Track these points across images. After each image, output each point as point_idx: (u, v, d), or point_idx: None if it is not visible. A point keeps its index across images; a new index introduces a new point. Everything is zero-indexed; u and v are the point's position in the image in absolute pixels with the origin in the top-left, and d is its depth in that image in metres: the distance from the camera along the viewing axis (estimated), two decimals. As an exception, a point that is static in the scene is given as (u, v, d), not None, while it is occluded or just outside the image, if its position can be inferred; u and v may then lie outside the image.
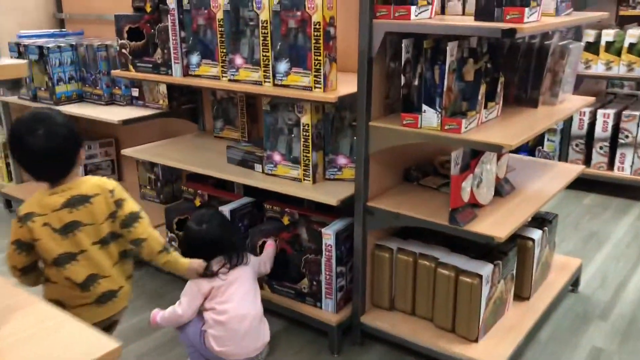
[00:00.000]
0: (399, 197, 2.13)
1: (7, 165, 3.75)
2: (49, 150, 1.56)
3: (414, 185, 2.26)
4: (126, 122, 2.82)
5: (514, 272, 2.21)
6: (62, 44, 3.11)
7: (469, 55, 1.88)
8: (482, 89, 1.92)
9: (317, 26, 1.97)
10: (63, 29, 3.68)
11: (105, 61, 3.06)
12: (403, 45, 1.86)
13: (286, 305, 2.33)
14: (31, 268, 1.68)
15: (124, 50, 2.59)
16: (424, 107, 1.87)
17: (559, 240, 2.86)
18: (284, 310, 2.35)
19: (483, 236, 1.84)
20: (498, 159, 2.10)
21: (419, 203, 2.08)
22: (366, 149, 2.01)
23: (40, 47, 3.06)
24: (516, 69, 2.21)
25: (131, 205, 1.70)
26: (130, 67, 2.59)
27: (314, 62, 2.01)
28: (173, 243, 2.63)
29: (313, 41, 1.99)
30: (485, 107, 1.98)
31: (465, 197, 1.92)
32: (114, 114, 2.89)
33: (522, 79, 2.22)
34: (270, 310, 2.37)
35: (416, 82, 1.91)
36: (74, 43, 3.16)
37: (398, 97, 2.01)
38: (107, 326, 1.80)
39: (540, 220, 2.39)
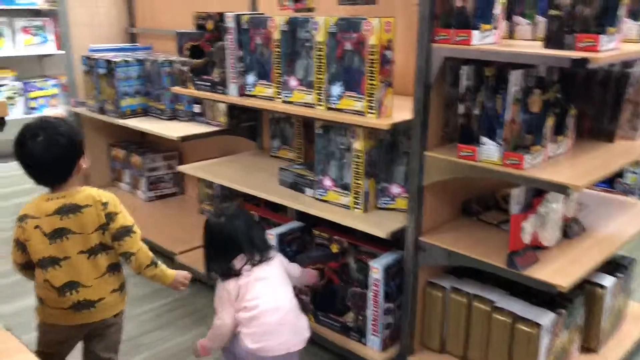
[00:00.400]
0: (455, 233, 1.99)
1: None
2: (46, 157, 1.62)
3: (473, 220, 2.11)
4: (185, 139, 2.83)
5: (581, 321, 2.01)
6: (129, 59, 3.17)
7: (535, 85, 1.72)
8: (550, 121, 1.76)
9: (373, 49, 1.87)
10: (135, 44, 3.78)
11: (169, 77, 3.10)
12: (462, 71, 1.73)
13: (330, 338, 2.23)
14: (30, 265, 1.73)
15: (183, 68, 2.60)
16: (483, 139, 1.73)
17: (637, 286, 2.60)
18: (328, 343, 2.24)
19: (544, 284, 1.67)
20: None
21: (476, 241, 1.93)
22: (420, 179, 1.89)
23: (108, 61, 3.14)
24: (591, 99, 2.02)
25: (124, 219, 1.73)
26: (190, 84, 2.59)
27: (368, 87, 1.91)
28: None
29: (368, 65, 1.89)
30: (553, 141, 1.81)
31: (526, 239, 1.75)
32: (174, 130, 2.91)
33: (598, 111, 2.03)
34: (313, 341, 2.28)
35: (476, 112, 1.77)
36: (141, 58, 3.22)
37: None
38: (98, 332, 1.81)
39: (614, 265, 2.17)
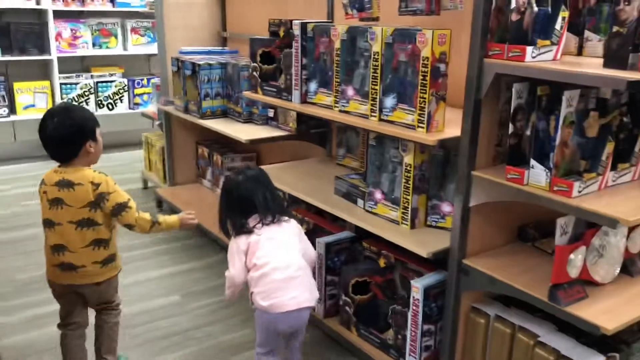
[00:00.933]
0: (504, 259, 1.88)
1: (164, 167, 4.08)
2: (54, 136, 1.87)
3: (527, 246, 1.99)
4: (253, 142, 2.90)
5: (640, 368, 1.82)
6: (212, 62, 3.30)
7: (594, 107, 1.58)
8: (609, 147, 1.61)
9: (425, 62, 1.82)
10: (224, 47, 3.93)
11: (247, 81, 3.18)
12: (514, 89, 1.63)
13: (369, 353, 2.19)
14: None
15: (254, 73, 2.66)
16: (532, 162, 1.62)
17: None
18: (367, 358, 2.20)
19: (586, 323, 1.53)
20: (631, 229, 1.75)
21: (525, 269, 1.81)
22: (466, 200, 1.80)
23: (194, 64, 3.28)
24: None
25: (118, 197, 1.93)
26: (259, 89, 2.65)
27: (419, 100, 1.86)
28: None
29: (420, 77, 1.84)
30: (614, 168, 1.66)
31: (573, 272, 1.62)
32: (245, 133, 2.98)
33: (676, 138, 1.83)
34: (354, 354, 2.25)
35: (528, 133, 1.67)
36: (223, 61, 3.33)
37: (511, 146, 1.77)
38: (88, 297, 2.02)
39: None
